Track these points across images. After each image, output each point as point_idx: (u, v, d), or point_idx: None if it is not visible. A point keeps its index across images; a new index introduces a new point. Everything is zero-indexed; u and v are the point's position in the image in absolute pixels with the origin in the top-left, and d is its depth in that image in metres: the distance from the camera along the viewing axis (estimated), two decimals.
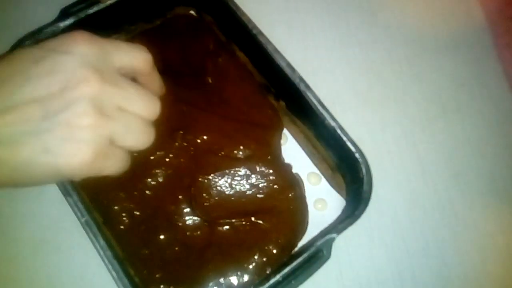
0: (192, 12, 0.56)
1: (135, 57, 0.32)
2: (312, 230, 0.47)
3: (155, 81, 0.36)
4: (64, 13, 0.48)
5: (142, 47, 0.33)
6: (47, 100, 0.27)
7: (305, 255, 0.40)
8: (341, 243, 0.42)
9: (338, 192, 0.49)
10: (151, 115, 0.32)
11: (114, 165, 0.31)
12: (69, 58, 0.28)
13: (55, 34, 0.47)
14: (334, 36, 0.60)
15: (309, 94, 0.47)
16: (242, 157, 0.48)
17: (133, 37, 0.54)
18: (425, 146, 0.54)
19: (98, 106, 0.28)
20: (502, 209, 0.53)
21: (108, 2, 0.49)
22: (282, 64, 0.48)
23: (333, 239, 0.41)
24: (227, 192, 0.47)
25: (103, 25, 0.50)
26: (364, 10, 0.62)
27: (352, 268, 0.48)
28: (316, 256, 0.41)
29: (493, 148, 0.55)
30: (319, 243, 0.41)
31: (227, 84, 0.53)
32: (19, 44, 0.46)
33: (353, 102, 0.56)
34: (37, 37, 0.47)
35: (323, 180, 0.50)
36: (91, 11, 0.49)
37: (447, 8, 0.64)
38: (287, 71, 0.47)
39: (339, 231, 0.41)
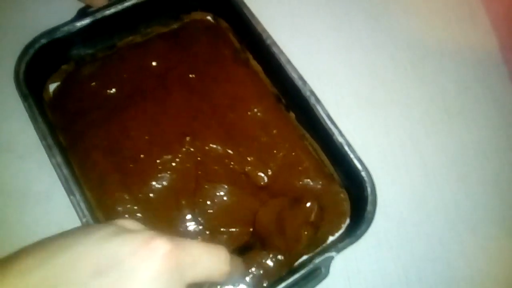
0: (209, 17, 0.56)
1: (212, 272, 0.28)
2: None
3: (233, 276, 0.31)
4: (82, 13, 0.48)
5: (223, 255, 0.29)
6: None
7: (302, 272, 0.40)
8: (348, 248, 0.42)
9: None
10: None
11: None
12: (134, 282, 0.24)
13: (71, 34, 0.48)
14: (338, 40, 0.59)
15: (318, 108, 0.46)
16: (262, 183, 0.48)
17: (148, 40, 0.54)
18: (430, 149, 0.54)
19: None
20: (507, 212, 0.52)
21: (126, 4, 0.49)
22: (294, 76, 0.47)
23: (332, 258, 0.41)
24: (231, 202, 0.47)
25: (119, 27, 0.51)
26: (368, 14, 0.61)
27: (360, 271, 0.47)
28: (314, 273, 0.40)
29: (498, 151, 0.55)
30: (317, 260, 0.40)
31: (240, 94, 0.53)
32: (35, 42, 0.46)
33: (357, 106, 0.55)
34: (53, 36, 0.47)
35: None
36: (108, 12, 0.49)
37: (451, 11, 0.63)
38: (299, 83, 0.47)
39: (338, 250, 0.41)
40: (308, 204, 0.43)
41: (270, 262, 0.44)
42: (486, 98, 0.57)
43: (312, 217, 0.43)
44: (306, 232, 0.42)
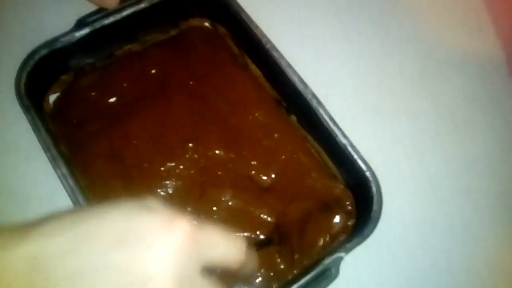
0: (206, 24, 0.56)
1: (228, 258, 0.29)
2: None
3: (247, 269, 0.32)
4: (80, 23, 0.48)
5: (240, 244, 0.29)
6: None
7: (313, 273, 0.40)
8: (350, 258, 0.42)
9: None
10: None
11: None
12: (152, 257, 0.25)
13: (71, 44, 0.48)
14: (346, 48, 0.60)
15: (321, 110, 0.47)
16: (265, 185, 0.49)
17: (147, 48, 0.54)
18: (436, 161, 0.54)
19: None
20: None
21: (124, 13, 0.49)
22: (295, 80, 0.48)
23: (341, 258, 0.41)
24: (236, 206, 0.47)
25: (118, 36, 0.52)
26: (376, 23, 0.62)
27: (361, 284, 0.47)
28: (324, 274, 0.40)
29: (504, 165, 0.55)
30: (327, 261, 0.41)
31: (241, 98, 0.53)
32: (35, 53, 0.46)
33: (363, 115, 0.56)
34: (53, 46, 0.47)
35: None
36: (107, 21, 0.49)
37: (459, 23, 0.64)
38: (300, 86, 0.47)
39: (347, 250, 0.41)
40: (337, 218, 0.44)
41: (280, 263, 0.44)
42: (492, 111, 0.58)
43: (335, 230, 0.44)
44: (322, 242, 0.43)
